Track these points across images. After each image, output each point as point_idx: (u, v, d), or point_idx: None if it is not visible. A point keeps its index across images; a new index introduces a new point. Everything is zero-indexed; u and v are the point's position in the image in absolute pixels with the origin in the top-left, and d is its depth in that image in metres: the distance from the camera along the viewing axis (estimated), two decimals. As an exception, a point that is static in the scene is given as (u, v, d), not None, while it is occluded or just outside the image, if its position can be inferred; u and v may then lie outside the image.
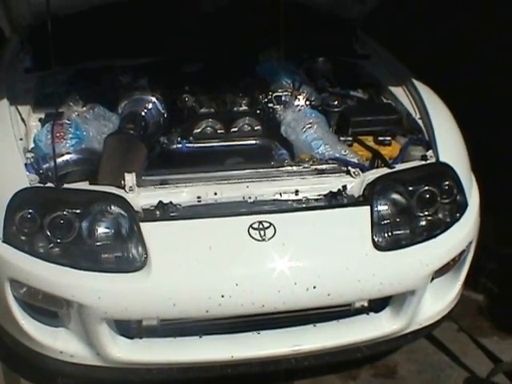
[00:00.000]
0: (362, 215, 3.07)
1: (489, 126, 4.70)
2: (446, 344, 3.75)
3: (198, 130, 3.63)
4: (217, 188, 3.12)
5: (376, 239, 3.04)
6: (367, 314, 3.19)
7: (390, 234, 3.10)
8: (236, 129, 3.66)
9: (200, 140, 3.58)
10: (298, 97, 3.77)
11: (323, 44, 4.24)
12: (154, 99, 3.68)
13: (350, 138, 3.54)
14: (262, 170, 3.24)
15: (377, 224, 3.07)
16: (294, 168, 3.26)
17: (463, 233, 3.25)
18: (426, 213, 3.19)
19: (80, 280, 2.89)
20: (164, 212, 3.02)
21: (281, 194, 3.14)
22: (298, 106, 3.70)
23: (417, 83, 3.80)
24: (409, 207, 3.17)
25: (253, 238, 2.95)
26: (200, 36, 4.04)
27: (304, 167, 3.26)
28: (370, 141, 3.53)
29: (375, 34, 4.54)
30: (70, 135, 3.34)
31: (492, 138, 4.58)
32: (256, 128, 3.67)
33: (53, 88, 3.73)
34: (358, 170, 3.23)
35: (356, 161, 3.34)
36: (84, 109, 3.55)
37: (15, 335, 3.13)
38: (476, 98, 4.96)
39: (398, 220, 3.15)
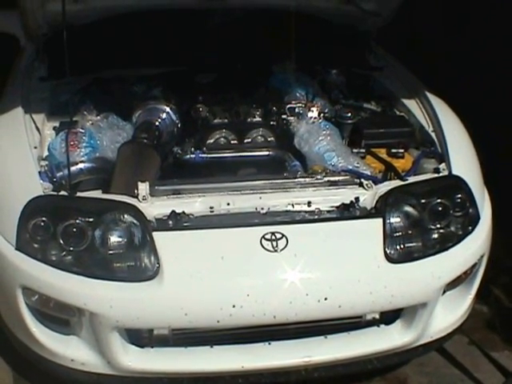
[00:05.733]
0: (374, 227, 3.07)
1: (498, 136, 4.69)
2: (456, 357, 3.73)
3: (212, 141, 3.62)
4: (229, 198, 3.13)
5: (388, 251, 3.04)
6: (378, 326, 3.19)
7: (402, 246, 3.10)
8: (249, 140, 3.66)
9: (213, 150, 3.58)
10: (312, 109, 3.78)
11: (337, 56, 4.25)
12: (167, 109, 3.69)
13: (363, 150, 3.54)
14: (274, 181, 3.24)
15: (389, 236, 3.07)
16: (307, 179, 3.27)
17: (475, 246, 3.25)
18: (438, 225, 3.19)
19: (92, 288, 2.91)
20: (177, 222, 3.03)
21: (293, 206, 3.14)
22: (311, 117, 3.70)
23: (430, 96, 3.81)
24: (421, 220, 3.17)
25: (265, 248, 2.96)
26: (214, 47, 4.06)
27: (317, 179, 3.26)
28: (382, 153, 3.54)
29: (388, 46, 4.55)
30: (84, 144, 3.37)
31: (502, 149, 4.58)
32: (269, 139, 3.67)
33: (67, 97, 3.76)
34: (370, 182, 3.24)
35: (369, 173, 3.35)
36: (98, 118, 3.56)
37: (26, 342, 3.14)
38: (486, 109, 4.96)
39: (410, 232, 3.14)
